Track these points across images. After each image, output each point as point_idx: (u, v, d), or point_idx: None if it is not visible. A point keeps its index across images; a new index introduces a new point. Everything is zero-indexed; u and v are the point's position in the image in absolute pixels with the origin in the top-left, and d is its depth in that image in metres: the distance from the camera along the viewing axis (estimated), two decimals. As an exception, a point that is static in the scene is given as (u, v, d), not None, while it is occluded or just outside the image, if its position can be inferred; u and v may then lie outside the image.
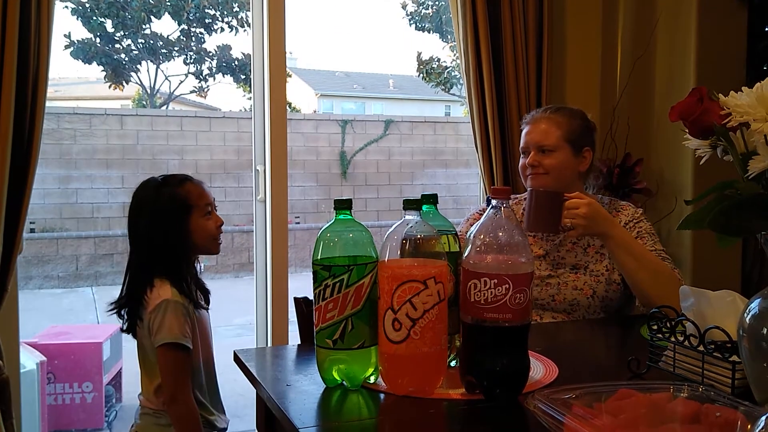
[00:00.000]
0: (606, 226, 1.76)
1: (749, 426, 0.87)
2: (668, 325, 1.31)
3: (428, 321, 1.14)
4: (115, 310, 1.80)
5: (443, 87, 12.98)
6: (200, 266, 1.92)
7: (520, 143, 2.03)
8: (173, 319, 1.71)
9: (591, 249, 1.97)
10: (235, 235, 9.29)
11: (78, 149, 8.95)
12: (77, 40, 11.20)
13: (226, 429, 1.87)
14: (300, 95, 16.26)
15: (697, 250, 2.63)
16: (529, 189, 1.87)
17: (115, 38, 11.66)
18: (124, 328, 1.80)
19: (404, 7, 12.99)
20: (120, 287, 1.81)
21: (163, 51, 12.14)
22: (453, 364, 1.29)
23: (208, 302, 1.92)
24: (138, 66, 12.10)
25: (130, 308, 1.77)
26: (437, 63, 12.65)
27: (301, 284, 2.34)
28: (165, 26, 18.46)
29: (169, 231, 1.75)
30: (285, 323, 2.71)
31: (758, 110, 0.99)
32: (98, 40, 11.38)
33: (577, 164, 1.98)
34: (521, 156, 2.02)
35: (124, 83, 12.02)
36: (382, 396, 1.20)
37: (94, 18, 11.18)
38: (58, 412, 3.60)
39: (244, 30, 12.03)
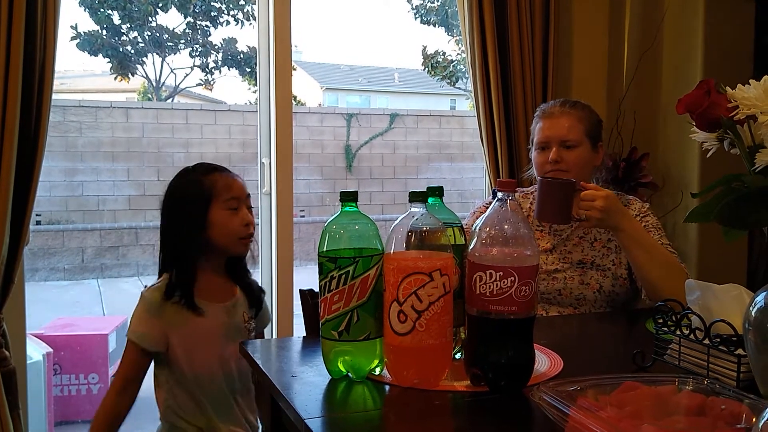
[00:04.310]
0: (619, 219, 1.76)
1: (754, 418, 0.87)
2: (674, 318, 1.31)
3: (433, 313, 1.14)
4: None
5: (448, 81, 12.98)
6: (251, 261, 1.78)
7: (534, 136, 2.00)
8: (136, 314, 1.64)
9: (598, 243, 1.97)
10: (240, 228, 9.30)
11: (84, 142, 8.97)
12: (83, 32, 11.22)
13: None
14: (305, 88, 16.27)
15: (702, 244, 2.62)
16: (539, 178, 1.85)
17: (122, 30, 11.68)
18: None
19: (409, 0, 12.98)
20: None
21: (169, 44, 12.15)
22: (458, 356, 1.29)
23: (257, 303, 1.78)
24: (144, 59, 12.12)
25: None
26: (443, 57, 12.64)
27: (306, 277, 2.35)
28: (171, 19, 18.46)
29: (184, 222, 1.63)
30: (290, 316, 2.72)
31: (765, 103, 0.99)
32: (104, 32, 11.40)
33: (594, 159, 1.98)
34: (537, 150, 1.98)
35: (130, 76, 12.04)
36: (387, 388, 1.20)
37: (102, 10, 11.20)
38: (64, 403, 3.62)
39: (250, 23, 12.05)
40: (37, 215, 8.42)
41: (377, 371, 1.23)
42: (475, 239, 1.15)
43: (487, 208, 1.23)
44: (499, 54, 2.72)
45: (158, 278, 1.69)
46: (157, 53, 12.16)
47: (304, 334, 1.64)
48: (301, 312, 1.70)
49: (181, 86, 12.79)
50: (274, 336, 2.71)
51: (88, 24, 11.25)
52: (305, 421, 1.06)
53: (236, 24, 12.15)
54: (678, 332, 1.28)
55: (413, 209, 1.19)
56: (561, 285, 1.93)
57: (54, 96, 2.19)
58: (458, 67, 12.43)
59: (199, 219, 1.62)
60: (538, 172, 1.98)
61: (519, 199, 2.07)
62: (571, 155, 1.92)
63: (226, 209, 1.65)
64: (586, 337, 1.72)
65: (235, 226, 1.66)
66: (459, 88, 13.22)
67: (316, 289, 1.25)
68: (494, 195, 1.17)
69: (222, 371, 1.70)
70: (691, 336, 1.25)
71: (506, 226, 1.14)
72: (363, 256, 1.17)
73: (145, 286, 1.67)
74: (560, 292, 1.93)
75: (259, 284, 1.85)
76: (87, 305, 7.30)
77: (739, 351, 1.15)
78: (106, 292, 7.79)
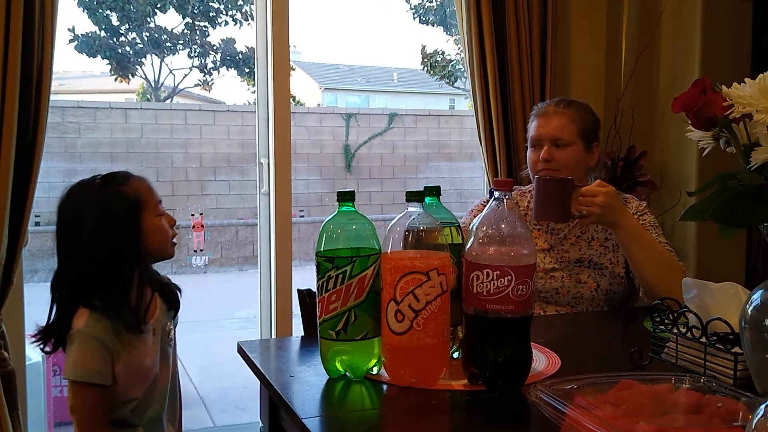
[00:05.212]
0: (619, 216, 1.77)
1: (750, 416, 0.87)
2: (671, 316, 1.31)
3: (431, 312, 1.14)
4: (39, 342, 1.53)
5: (447, 80, 12.98)
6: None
7: (529, 134, 2.00)
8: (79, 354, 1.47)
9: (595, 242, 1.97)
10: (239, 228, 9.32)
11: (83, 143, 8.97)
12: (82, 34, 11.22)
13: None
14: (304, 88, 16.26)
15: (701, 242, 2.63)
16: (536, 177, 1.86)
17: (120, 31, 11.68)
18: (48, 350, 1.53)
19: (408, 0, 12.97)
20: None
21: (168, 44, 12.14)
22: (456, 355, 1.29)
23: (176, 306, 1.69)
24: (142, 59, 12.11)
25: (58, 337, 1.52)
26: (441, 56, 12.64)
27: (305, 277, 2.35)
28: (169, 20, 18.46)
29: (118, 237, 1.51)
30: (289, 316, 2.72)
31: (761, 101, 0.99)
32: (103, 33, 11.40)
33: (587, 159, 1.98)
34: (530, 148, 1.99)
35: (130, 77, 12.03)
36: (384, 387, 1.21)
37: (100, 11, 11.19)
38: (63, 405, 3.60)
39: (248, 23, 12.04)
40: (36, 216, 8.41)
41: (375, 370, 1.24)
42: (472, 238, 1.16)
43: (485, 206, 1.23)
44: (497, 53, 2.72)
45: (55, 312, 1.53)
46: (156, 54, 12.15)
47: (303, 334, 1.63)
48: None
49: (180, 87, 12.78)
50: (273, 336, 2.71)
51: (86, 25, 11.27)
52: (303, 420, 1.06)
53: (234, 24, 12.14)
54: (675, 330, 1.29)
55: (410, 209, 1.19)
56: (558, 284, 1.93)
57: (53, 97, 2.19)
58: (457, 66, 12.43)
59: (134, 230, 1.54)
60: (531, 170, 1.99)
61: (516, 197, 2.07)
62: (562, 154, 1.92)
63: (155, 215, 1.59)
64: (583, 335, 1.72)
65: (167, 229, 1.60)
66: (458, 88, 13.22)
67: (315, 289, 1.25)
68: (491, 194, 1.18)
69: (156, 392, 1.62)
70: (688, 334, 1.25)
71: (503, 225, 1.14)
72: (360, 255, 1.18)
73: (76, 331, 1.49)
74: (557, 291, 1.93)
75: (172, 281, 1.72)
76: (86, 306, 7.29)
77: (736, 349, 1.16)
78: (105, 292, 7.77)
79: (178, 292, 1.68)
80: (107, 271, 1.51)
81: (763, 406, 0.69)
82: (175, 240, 1.63)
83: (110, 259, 1.51)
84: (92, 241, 1.50)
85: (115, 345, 1.51)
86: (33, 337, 1.55)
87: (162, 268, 1.73)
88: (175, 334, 1.70)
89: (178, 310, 1.69)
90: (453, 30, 12.17)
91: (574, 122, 1.94)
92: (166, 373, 1.65)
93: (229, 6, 12.06)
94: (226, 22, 12.17)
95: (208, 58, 12.49)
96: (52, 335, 1.53)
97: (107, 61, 11.62)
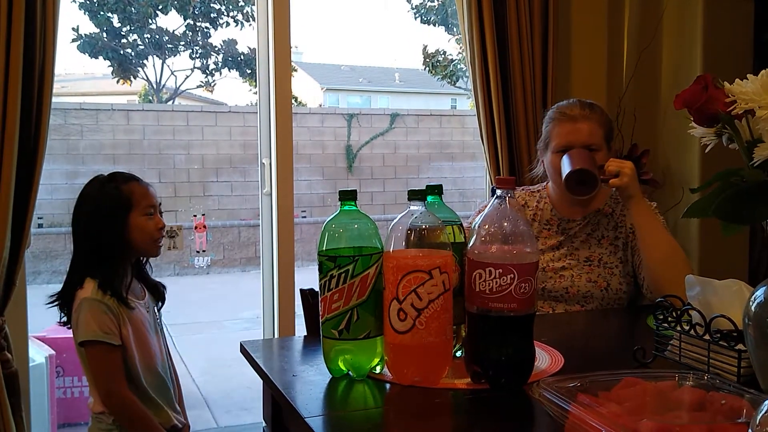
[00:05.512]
0: (639, 191, 1.81)
1: (754, 413, 0.87)
2: (674, 314, 1.31)
3: (433, 311, 1.14)
4: (54, 304, 1.81)
5: (449, 80, 12.96)
6: (149, 266, 1.94)
7: (552, 139, 1.94)
8: (89, 317, 1.71)
9: (605, 241, 1.97)
10: (241, 229, 9.32)
11: (85, 144, 8.97)
12: (85, 34, 11.22)
13: (182, 428, 1.86)
14: (306, 89, 16.25)
15: (704, 240, 2.62)
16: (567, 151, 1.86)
17: (122, 33, 11.68)
18: (63, 321, 1.82)
19: (409, 0, 12.96)
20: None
21: (169, 46, 12.14)
22: (459, 354, 1.29)
23: (162, 299, 1.94)
24: (144, 61, 12.11)
25: (65, 305, 1.79)
26: (443, 56, 12.62)
27: (308, 277, 2.35)
28: (171, 21, 18.48)
29: (106, 227, 1.77)
30: (292, 316, 2.72)
31: (763, 97, 0.98)
32: (105, 34, 11.40)
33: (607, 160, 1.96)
34: (554, 153, 1.92)
35: (132, 78, 12.04)
36: (387, 386, 1.21)
37: (102, 13, 11.20)
38: (67, 406, 3.62)
39: (250, 24, 12.03)
40: (39, 218, 8.42)
41: (378, 370, 1.23)
42: (475, 237, 1.15)
43: (490, 206, 1.23)
44: (499, 52, 2.72)
45: (64, 281, 1.80)
46: (157, 55, 12.15)
47: (305, 334, 1.64)
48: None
49: (182, 88, 12.78)
50: (276, 336, 2.71)
51: (88, 27, 11.23)
52: (306, 419, 1.06)
53: (236, 25, 12.13)
54: (678, 328, 1.28)
55: (412, 207, 1.19)
56: (568, 283, 1.93)
57: (55, 99, 2.20)
58: (459, 66, 12.42)
59: (121, 223, 1.78)
60: (553, 174, 1.95)
61: (525, 197, 2.07)
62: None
63: (143, 215, 1.82)
64: (586, 333, 1.72)
65: (151, 230, 1.83)
66: (460, 87, 13.20)
67: (317, 289, 1.25)
68: (493, 192, 1.17)
69: (160, 361, 1.86)
70: (692, 332, 1.25)
71: (505, 224, 1.14)
72: (362, 254, 1.18)
73: (83, 299, 1.75)
74: (567, 290, 1.93)
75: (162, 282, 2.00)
76: (89, 308, 7.29)
77: (740, 346, 1.15)
78: (108, 294, 7.77)
79: (163, 289, 1.96)
80: (101, 252, 1.77)
81: (766, 403, 0.68)
82: (161, 243, 1.87)
83: (101, 243, 1.77)
84: (87, 227, 1.80)
85: (118, 310, 1.74)
86: (48, 300, 1.82)
87: (165, 269, 1.92)
88: (161, 316, 1.96)
89: (163, 303, 1.96)
90: (454, 29, 12.16)
91: (601, 127, 1.92)
92: (159, 344, 1.88)
93: (231, 7, 12.06)
94: (228, 24, 12.16)
95: (209, 59, 12.48)
96: (62, 303, 1.80)
97: (109, 63, 11.62)
